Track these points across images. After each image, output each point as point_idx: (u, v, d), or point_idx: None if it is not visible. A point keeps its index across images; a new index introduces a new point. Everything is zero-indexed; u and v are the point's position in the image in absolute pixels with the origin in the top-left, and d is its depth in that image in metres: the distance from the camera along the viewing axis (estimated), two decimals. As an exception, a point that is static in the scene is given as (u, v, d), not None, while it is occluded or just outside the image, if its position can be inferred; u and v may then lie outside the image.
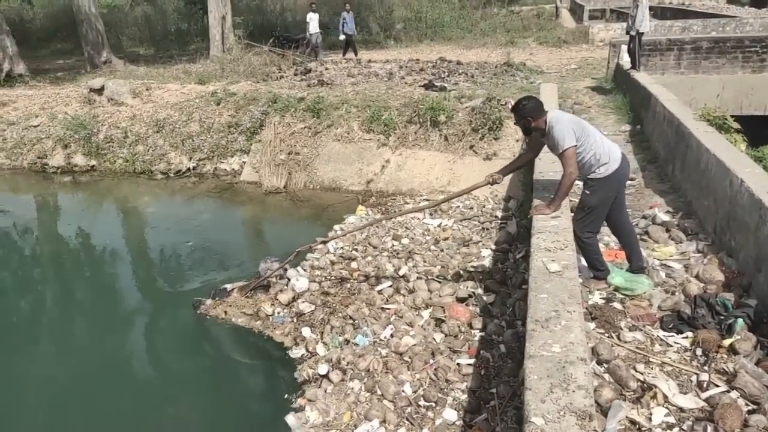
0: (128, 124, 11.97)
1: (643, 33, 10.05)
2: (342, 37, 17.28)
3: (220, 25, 16.95)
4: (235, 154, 11.07)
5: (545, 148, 4.40)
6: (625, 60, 10.77)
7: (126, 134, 11.78)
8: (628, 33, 10.41)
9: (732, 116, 7.67)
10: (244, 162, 10.83)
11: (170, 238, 8.55)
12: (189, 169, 11.11)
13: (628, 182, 6.58)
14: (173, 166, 11.17)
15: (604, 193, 4.11)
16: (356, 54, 17.44)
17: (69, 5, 19.17)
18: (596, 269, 4.33)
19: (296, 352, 5.20)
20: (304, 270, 6.66)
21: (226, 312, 6.06)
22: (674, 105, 7.14)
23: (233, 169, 10.97)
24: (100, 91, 12.82)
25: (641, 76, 9.59)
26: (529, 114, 4.07)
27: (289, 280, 6.41)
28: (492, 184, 4.66)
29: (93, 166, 11.66)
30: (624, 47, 10.93)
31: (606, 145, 4.07)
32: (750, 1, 44.31)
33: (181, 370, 5.54)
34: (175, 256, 8.01)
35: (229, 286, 6.50)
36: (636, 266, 4.45)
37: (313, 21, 16.81)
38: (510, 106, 9.45)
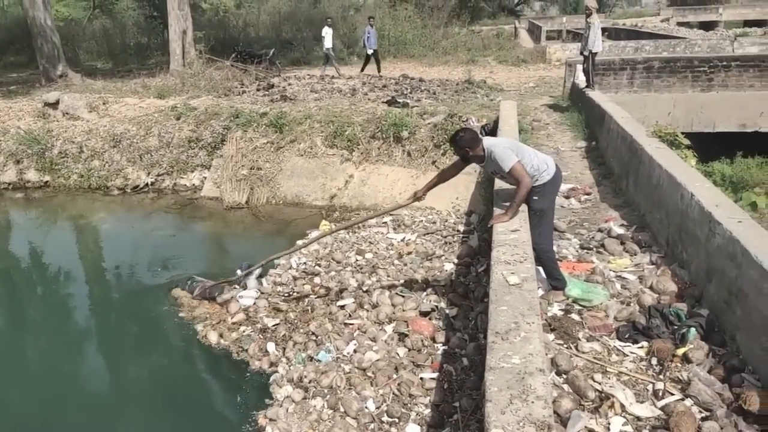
0: (84, 138, 11.67)
1: (596, 53, 10.41)
2: (370, 51, 16.65)
3: (180, 39, 16.76)
4: (195, 169, 10.90)
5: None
6: (581, 79, 11.09)
7: (81, 149, 11.48)
8: (581, 53, 10.77)
9: (683, 133, 7.97)
10: (205, 177, 10.67)
11: (126, 255, 8.33)
12: (147, 184, 10.88)
13: (584, 196, 6.78)
14: (130, 181, 10.92)
15: (549, 195, 4.49)
16: (379, 70, 16.72)
17: (24, 18, 18.65)
18: (554, 278, 4.45)
19: (274, 376, 4.99)
20: (267, 284, 6.61)
21: (193, 318, 6.06)
22: (627, 122, 7.35)
23: (193, 184, 10.79)
24: (55, 105, 12.49)
25: (596, 95, 9.89)
26: (466, 144, 4.37)
27: (245, 287, 6.48)
28: (417, 201, 5.05)
29: (46, 182, 11.32)
30: (579, 67, 11.26)
31: (540, 157, 4.47)
32: (699, 24, 46.55)
33: (138, 386, 5.40)
34: (131, 274, 7.81)
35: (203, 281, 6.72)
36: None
37: (328, 36, 16.50)
38: (471, 123, 9.63)
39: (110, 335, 6.45)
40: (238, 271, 6.84)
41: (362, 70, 17.02)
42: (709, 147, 9.68)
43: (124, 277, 7.78)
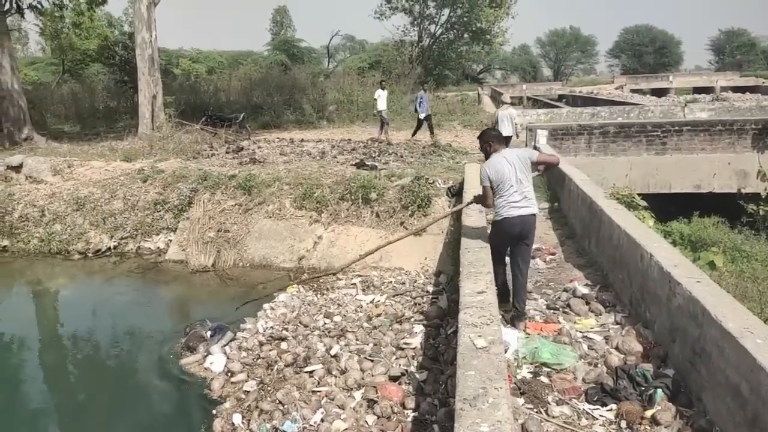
0: (46, 202, 11.44)
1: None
2: (422, 115, 15.88)
3: (150, 103, 16.89)
4: (160, 232, 10.72)
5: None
6: (541, 143, 11.34)
7: (43, 213, 11.23)
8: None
9: (640, 194, 8.27)
10: (171, 240, 10.49)
11: (83, 321, 8.02)
12: (109, 248, 10.63)
13: (549, 256, 6.89)
14: (92, 245, 10.65)
15: (495, 236, 5.17)
16: (432, 133, 15.99)
17: (-10, 81, 18.60)
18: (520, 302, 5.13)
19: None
20: (232, 350, 6.42)
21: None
22: (586, 184, 7.59)
23: (158, 247, 10.58)
24: (18, 168, 12.32)
25: (557, 158, 10.21)
26: (490, 139, 5.05)
27: (208, 354, 6.33)
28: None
29: (5, 246, 10.98)
30: (540, 132, 11.61)
31: (510, 203, 4.88)
32: (651, 90, 49.25)
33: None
34: (89, 342, 7.48)
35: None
36: (515, 307, 5.16)
37: (381, 98, 16.06)
38: (438, 185, 9.80)
39: (67, 409, 6.10)
40: (208, 333, 6.72)
41: (413, 135, 16.26)
42: (667, 207, 10.05)
43: (78, 346, 7.42)
